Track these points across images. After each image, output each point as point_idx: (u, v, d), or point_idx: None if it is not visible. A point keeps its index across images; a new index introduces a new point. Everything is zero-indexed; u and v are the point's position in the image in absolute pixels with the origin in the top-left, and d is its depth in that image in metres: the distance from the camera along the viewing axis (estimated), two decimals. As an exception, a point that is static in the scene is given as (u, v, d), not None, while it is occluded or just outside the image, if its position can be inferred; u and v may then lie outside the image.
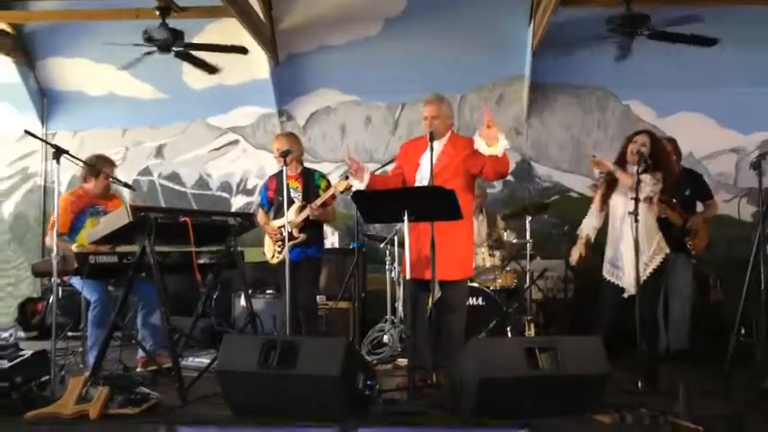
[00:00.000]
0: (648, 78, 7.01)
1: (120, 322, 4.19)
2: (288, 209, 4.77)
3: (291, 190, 5.03)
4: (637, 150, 4.24)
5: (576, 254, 4.52)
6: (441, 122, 4.21)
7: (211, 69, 6.69)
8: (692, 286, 5.45)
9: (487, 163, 4.02)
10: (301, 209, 4.97)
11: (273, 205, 5.18)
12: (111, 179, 5.01)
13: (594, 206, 4.52)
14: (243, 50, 6.43)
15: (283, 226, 4.77)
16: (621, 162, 4.39)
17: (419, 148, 4.26)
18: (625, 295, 4.21)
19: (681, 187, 4.94)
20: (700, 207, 5.43)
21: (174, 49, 6.21)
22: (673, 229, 4.86)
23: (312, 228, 5.01)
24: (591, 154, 5.56)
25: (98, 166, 4.97)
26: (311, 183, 5.11)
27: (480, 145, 3.97)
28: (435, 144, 4.13)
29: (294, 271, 4.69)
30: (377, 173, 4.50)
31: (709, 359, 4.57)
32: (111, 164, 5.15)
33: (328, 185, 5.09)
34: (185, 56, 6.43)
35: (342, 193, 4.91)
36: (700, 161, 7.05)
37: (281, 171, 4.70)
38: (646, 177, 4.14)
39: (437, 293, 4.03)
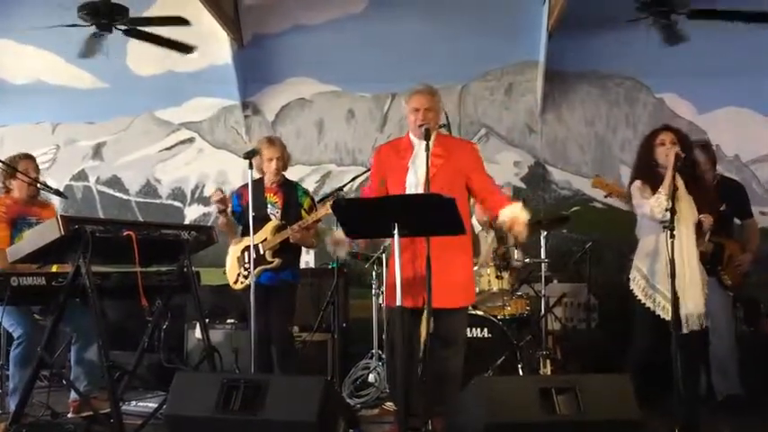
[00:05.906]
0: (687, 66, 7.03)
1: (49, 358, 4.16)
2: (255, 226, 4.73)
3: (269, 205, 5.03)
4: (675, 153, 4.24)
5: None
6: (434, 117, 4.26)
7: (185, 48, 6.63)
8: (732, 316, 5.44)
9: (501, 202, 4.26)
10: (279, 228, 4.96)
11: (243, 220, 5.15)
12: (34, 182, 4.98)
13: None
14: (183, 22, 6.31)
15: (255, 244, 4.74)
16: (647, 168, 4.42)
17: (402, 149, 4.31)
18: (683, 330, 4.14)
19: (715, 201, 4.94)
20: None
21: (118, 28, 6.21)
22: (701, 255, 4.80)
23: (289, 251, 4.99)
24: (594, 174, 5.61)
25: (14, 166, 4.95)
26: (293, 198, 5.09)
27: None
28: (422, 143, 4.17)
29: (265, 297, 4.70)
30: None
31: (763, 404, 4.57)
32: (32, 161, 5.11)
33: (312, 205, 5.09)
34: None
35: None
36: (747, 165, 7.16)
37: (259, 179, 4.71)
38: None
39: (432, 324, 4.04)
